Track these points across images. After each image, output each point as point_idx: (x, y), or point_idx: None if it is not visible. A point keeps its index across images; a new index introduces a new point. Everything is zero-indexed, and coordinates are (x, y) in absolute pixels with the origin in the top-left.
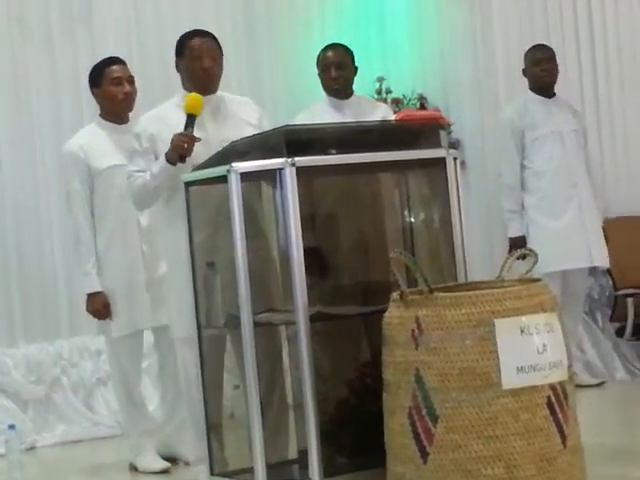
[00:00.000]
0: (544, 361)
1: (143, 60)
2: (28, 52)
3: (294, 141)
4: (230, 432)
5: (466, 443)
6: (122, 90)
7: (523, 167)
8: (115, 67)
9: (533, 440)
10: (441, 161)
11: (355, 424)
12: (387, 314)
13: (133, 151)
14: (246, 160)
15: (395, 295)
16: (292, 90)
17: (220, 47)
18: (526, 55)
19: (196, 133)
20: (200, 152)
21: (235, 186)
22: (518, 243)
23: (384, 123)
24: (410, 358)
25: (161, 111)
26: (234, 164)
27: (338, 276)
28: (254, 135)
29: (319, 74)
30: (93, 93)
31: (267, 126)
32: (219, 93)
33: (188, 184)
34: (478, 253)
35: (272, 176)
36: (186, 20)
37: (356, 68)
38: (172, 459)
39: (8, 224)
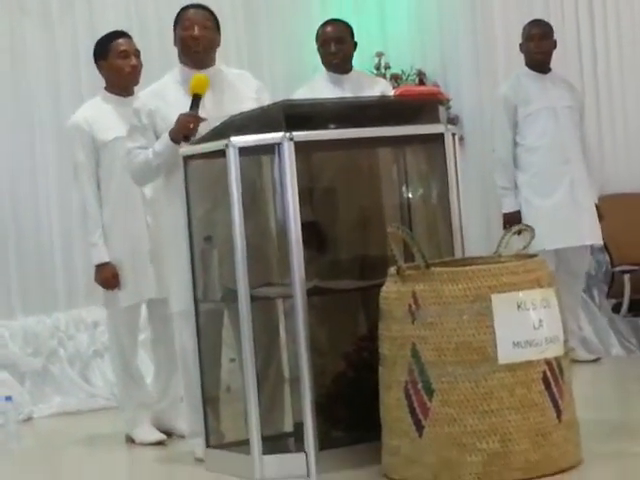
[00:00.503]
0: (540, 336)
1: (142, 34)
2: (26, 26)
3: (293, 116)
4: (226, 405)
5: (461, 417)
6: (129, 63)
7: (516, 143)
8: (121, 40)
9: (528, 415)
10: (440, 137)
11: (351, 398)
12: (384, 289)
13: (132, 127)
14: (245, 134)
15: (392, 270)
16: (291, 65)
17: (216, 20)
18: (523, 30)
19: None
20: (199, 127)
21: (233, 160)
22: (512, 219)
23: (383, 98)
24: (407, 333)
25: (160, 87)
26: (232, 138)
27: (335, 250)
28: (253, 110)
29: (318, 49)
30: (98, 66)
31: (267, 99)
32: (217, 66)
33: (187, 158)
34: (475, 229)
35: (270, 150)
36: None
37: (355, 43)
38: (167, 432)
39: (6, 198)
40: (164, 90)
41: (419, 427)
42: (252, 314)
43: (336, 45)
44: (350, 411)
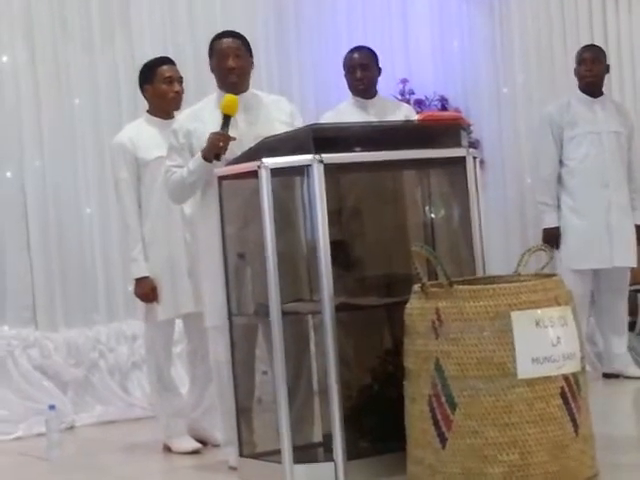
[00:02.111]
0: (558, 353)
1: (178, 62)
2: (69, 51)
3: (321, 139)
4: (258, 416)
5: (483, 430)
6: (173, 89)
7: (561, 163)
8: (166, 67)
9: (547, 428)
10: (461, 160)
11: (377, 410)
12: (409, 305)
13: (170, 147)
14: (276, 156)
15: (416, 287)
16: (319, 90)
17: (248, 46)
18: (576, 55)
19: (230, 131)
20: (233, 149)
21: (265, 180)
22: (551, 234)
23: (407, 123)
24: (430, 347)
25: (198, 109)
26: (264, 160)
27: (362, 268)
28: (284, 132)
29: (345, 75)
30: (143, 89)
31: (299, 123)
32: (252, 91)
33: (221, 178)
34: (495, 249)
35: (301, 172)
36: (219, 22)
37: (380, 69)
38: (202, 441)
39: (50, 215)
40: (202, 112)
41: (442, 439)
42: (283, 328)
43: (362, 71)
44: (376, 422)
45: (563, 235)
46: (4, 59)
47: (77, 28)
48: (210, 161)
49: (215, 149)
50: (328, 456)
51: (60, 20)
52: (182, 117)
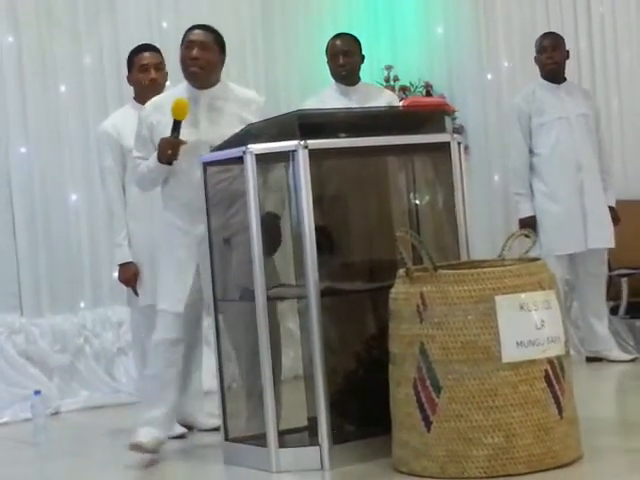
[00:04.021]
0: (542, 336)
1: (163, 47)
2: (55, 37)
3: (307, 124)
4: (243, 400)
5: (467, 413)
6: (148, 77)
7: (531, 152)
8: (145, 54)
9: (531, 411)
10: (446, 145)
11: (362, 394)
12: (393, 290)
13: (137, 136)
14: (261, 142)
15: (401, 272)
16: (305, 77)
17: (220, 42)
18: (535, 43)
19: (190, 129)
20: (192, 149)
21: (250, 166)
22: (527, 224)
23: (392, 109)
24: (415, 332)
25: (164, 98)
26: (250, 146)
27: (347, 253)
28: (269, 118)
29: (328, 61)
30: (127, 77)
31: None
32: (221, 85)
33: (206, 164)
34: (480, 234)
35: (286, 157)
36: (205, 7)
37: (363, 56)
38: (186, 426)
39: (36, 202)
40: (166, 103)
41: (427, 422)
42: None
43: (344, 58)
44: (361, 406)
45: (540, 222)
46: None
47: (62, 13)
48: (164, 164)
49: (165, 156)
50: (313, 440)
51: (45, 5)
52: (148, 106)
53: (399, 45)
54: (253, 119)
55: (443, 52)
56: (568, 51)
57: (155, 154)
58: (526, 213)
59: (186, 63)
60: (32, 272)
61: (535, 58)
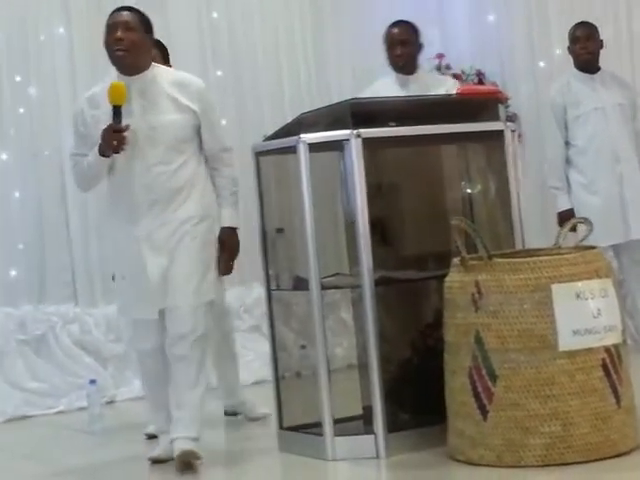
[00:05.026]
0: (599, 325)
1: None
2: None
3: (360, 113)
4: (298, 389)
5: (524, 402)
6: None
7: (568, 144)
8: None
9: (588, 400)
10: (499, 133)
11: (417, 383)
12: (448, 278)
13: (74, 131)
14: (313, 131)
15: (456, 260)
16: (356, 68)
17: (144, 20)
18: (568, 33)
19: (123, 117)
20: (127, 138)
21: (304, 156)
22: (566, 217)
23: (445, 97)
24: (470, 320)
25: (96, 93)
26: (302, 135)
27: (400, 242)
28: (321, 107)
29: (385, 50)
30: None
31: (205, 108)
32: (152, 69)
33: (258, 154)
34: (533, 222)
35: (339, 147)
36: (255, 1)
37: (421, 45)
38: (234, 414)
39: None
40: (100, 97)
41: (483, 411)
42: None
43: (401, 47)
44: (416, 395)
45: (579, 215)
46: (42, 38)
47: (113, 5)
48: (108, 156)
49: (110, 147)
50: (368, 429)
51: None
52: (81, 101)
53: (450, 33)
54: (192, 104)
55: (495, 40)
56: (602, 40)
57: (94, 151)
58: (564, 206)
59: (110, 46)
60: (86, 262)
61: (568, 48)
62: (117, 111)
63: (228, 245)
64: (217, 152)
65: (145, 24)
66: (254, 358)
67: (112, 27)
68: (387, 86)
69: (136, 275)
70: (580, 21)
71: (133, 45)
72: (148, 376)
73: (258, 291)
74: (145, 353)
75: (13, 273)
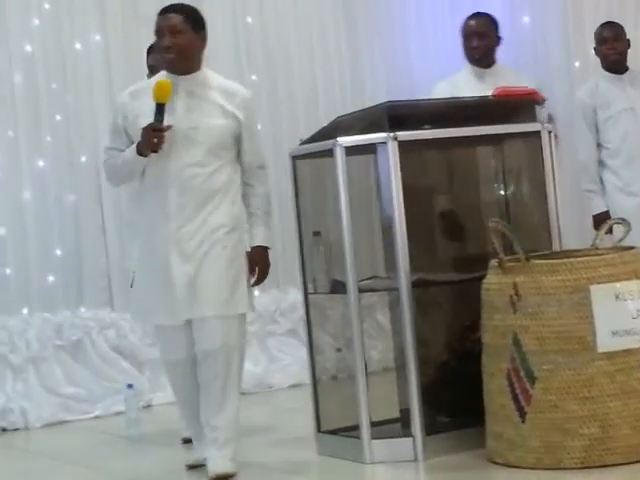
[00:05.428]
0: (638, 326)
1: (249, 48)
2: (142, 38)
3: (396, 116)
4: (334, 393)
5: (563, 404)
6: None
7: (599, 146)
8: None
9: (628, 401)
10: (536, 134)
11: (454, 385)
12: (486, 280)
13: (111, 124)
14: (348, 134)
15: (493, 262)
16: (390, 75)
17: (193, 22)
18: (595, 34)
19: (165, 116)
20: (166, 137)
21: (340, 159)
22: (601, 219)
23: (482, 98)
24: (508, 322)
25: (142, 88)
26: (339, 138)
27: (437, 244)
28: (356, 111)
29: (462, 42)
30: None
31: (249, 116)
32: (203, 73)
33: (295, 158)
34: (570, 223)
35: (374, 149)
36: (289, 5)
37: (499, 37)
38: None
39: (125, 197)
40: (143, 92)
41: (522, 413)
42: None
43: (478, 40)
44: (454, 398)
45: (615, 217)
46: (78, 46)
47: (148, 11)
48: (146, 156)
49: (150, 145)
50: (406, 431)
51: (131, 4)
52: (125, 94)
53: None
54: (238, 112)
55: (529, 41)
56: (629, 40)
57: (132, 148)
58: (599, 209)
59: (159, 51)
60: (122, 268)
61: (595, 50)
62: (160, 109)
63: (261, 265)
64: (255, 167)
65: (194, 22)
66: (290, 362)
67: (159, 32)
68: (463, 79)
69: (160, 279)
70: (606, 21)
71: (181, 50)
72: (178, 388)
73: (294, 295)
74: (173, 364)
75: (51, 279)
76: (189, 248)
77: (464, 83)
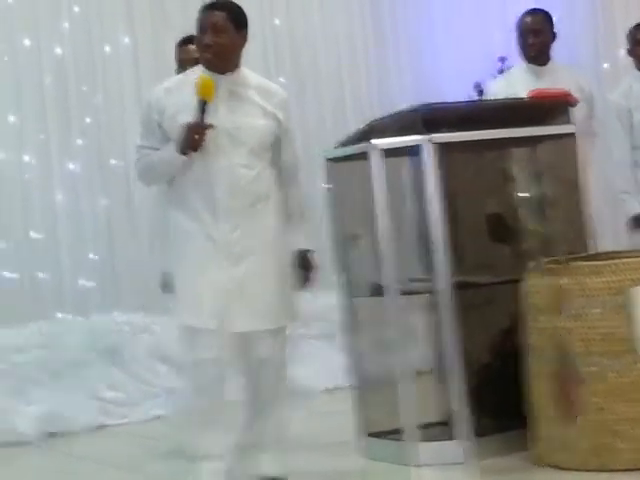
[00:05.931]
0: None
1: (277, 50)
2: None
3: (431, 119)
4: (372, 396)
5: (609, 406)
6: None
7: (635, 147)
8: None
9: None
10: (570, 136)
11: (498, 387)
12: (529, 282)
13: (145, 121)
14: (383, 137)
15: (534, 264)
16: (417, 70)
17: (236, 20)
18: (628, 35)
19: (207, 115)
20: (209, 137)
21: (376, 162)
22: (637, 221)
23: (517, 100)
24: (553, 324)
25: (179, 82)
26: (374, 141)
27: (475, 247)
28: (392, 113)
29: (517, 39)
30: None
31: (282, 116)
32: (242, 72)
33: (329, 160)
34: (604, 223)
35: (409, 152)
36: (316, 7)
37: (554, 34)
38: None
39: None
40: (183, 87)
41: (568, 415)
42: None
43: (534, 37)
44: (497, 400)
45: None
46: (107, 48)
47: (176, 14)
48: (185, 155)
49: (192, 143)
50: (452, 434)
51: (159, 7)
52: (159, 89)
53: (512, 36)
54: (278, 113)
55: (559, 42)
56: None
57: (169, 147)
58: (634, 211)
59: (200, 49)
60: (155, 272)
61: (628, 51)
62: (203, 107)
63: (308, 268)
64: (293, 167)
65: (236, 21)
66: (322, 366)
67: (201, 29)
68: (518, 76)
69: (206, 281)
70: (639, 22)
71: (221, 50)
72: (204, 389)
73: (326, 298)
74: (206, 362)
75: (85, 283)
76: (238, 251)
77: (520, 81)
